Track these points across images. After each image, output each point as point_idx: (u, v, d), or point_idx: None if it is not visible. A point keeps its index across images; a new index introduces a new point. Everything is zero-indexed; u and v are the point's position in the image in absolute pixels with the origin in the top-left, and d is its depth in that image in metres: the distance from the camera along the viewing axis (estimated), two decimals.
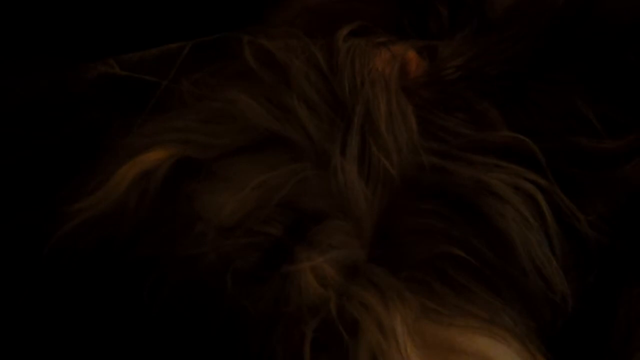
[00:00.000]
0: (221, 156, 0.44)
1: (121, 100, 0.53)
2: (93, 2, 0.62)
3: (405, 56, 0.50)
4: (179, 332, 0.42)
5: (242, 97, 0.43)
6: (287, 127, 0.42)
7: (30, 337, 0.43)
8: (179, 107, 0.46)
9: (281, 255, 0.40)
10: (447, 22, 0.53)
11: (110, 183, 0.43)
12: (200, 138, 0.44)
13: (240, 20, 0.53)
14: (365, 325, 0.38)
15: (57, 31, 0.61)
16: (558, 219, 0.42)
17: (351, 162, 0.41)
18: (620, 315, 0.44)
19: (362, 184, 0.40)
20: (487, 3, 0.53)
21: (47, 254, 0.43)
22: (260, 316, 0.40)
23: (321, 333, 0.38)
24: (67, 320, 0.44)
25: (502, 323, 0.40)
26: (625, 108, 0.46)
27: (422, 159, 0.41)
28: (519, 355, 0.39)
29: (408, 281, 0.40)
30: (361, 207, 0.40)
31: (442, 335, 0.39)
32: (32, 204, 0.46)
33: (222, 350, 0.40)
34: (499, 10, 0.53)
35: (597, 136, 0.45)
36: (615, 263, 0.44)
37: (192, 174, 0.44)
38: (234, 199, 0.42)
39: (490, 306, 0.40)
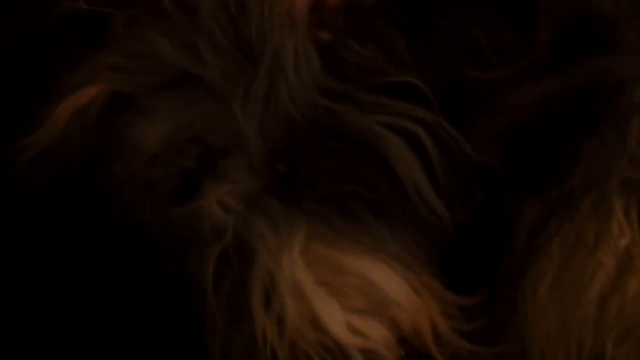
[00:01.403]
0: (146, 91, 0.48)
1: (84, 36, 0.58)
2: None
3: None
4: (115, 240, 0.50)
5: (158, 38, 0.47)
6: (197, 67, 0.46)
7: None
8: (112, 44, 0.51)
9: (192, 185, 0.47)
10: None
11: (53, 119, 0.50)
12: (128, 75, 0.49)
13: None
14: (260, 252, 0.44)
15: None
16: (444, 150, 0.46)
17: (254, 103, 0.45)
18: (520, 231, 0.48)
19: (260, 124, 0.45)
20: None
21: (9, 182, 0.52)
22: (174, 238, 0.47)
23: (223, 258, 0.45)
24: (34, 236, 0.53)
25: (390, 251, 0.45)
26: (519, 33, 0.48)
27: (321, 102, 0.45)
28: (403, 277, 0.44)
29: (305, 212, 0.45)
30: (257, 145, 0.45)
31: (329, 257, 0.44)
32: None
33: (142, 268, 0.48)
34: None
35: (489, 65, 0.47)
36: (509, 184, 0.48)
37: (123, 107, 0.49)
38: (156, 131, 0.48)
39: (379, 235, 0.45)
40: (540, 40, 0.48)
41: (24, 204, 0.52)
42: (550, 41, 0.48)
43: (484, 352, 0.46)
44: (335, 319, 0.43)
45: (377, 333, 0.44)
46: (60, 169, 0.50)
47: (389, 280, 0.44)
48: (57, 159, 0.51)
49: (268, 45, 0.45)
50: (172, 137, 0.47)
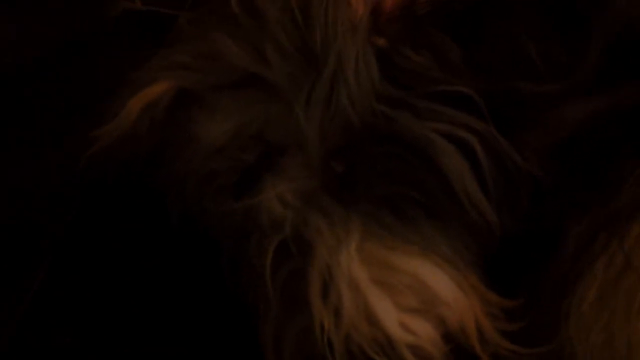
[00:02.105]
0: (211, 89, 0.51)
1: (142, 35, 0.61)
2: None
3: None
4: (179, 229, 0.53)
5: (224, 39, 0.49)
6: (262, 68, 0.48)
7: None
8: (179, 43, 0.54)
9: (253, 179, 0.49)
10: None
11: (123, 113, 0.53)
12: (194, 73, 0.51)
13: None
14: (317, 246, 0.46)
15: None
16: (494, 159, 0.47)
17: (316, 106, 0.47)
18: (567, 244, 0.49)
19: (320, 126, 0.47)
20: None
21: (80, 171, 0.55)
22: (233, 228, 0.49)
23: (281, 249, 0.47)
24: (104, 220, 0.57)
25: (440, 251, 0.47)
26: (571, 48, 0.49)
27: (379, 107, 0.47)
28: (451, 278, 0.46)
29: (360, 212, 0.47)
30: (316, 145, 0.47)
31: (382, 255, 0.46)
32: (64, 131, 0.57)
33: (201, 257, 0.51)
34: None
35: (541, 78, 0.48)
36: (556, 196, 0.49)
37: (189, 103, 0.52)
38: (220, 127, 0.50)
39: (431, 237, 0.47)
40: (592, 57, 0.48)
41: (94, 193, 0.55)
42: (601, 58, 0.48)
43: (524, 352, 0.48)
44: (389, 315, 0.45)
45: (425, 330, 0.46)
46: (128, 160, 0.54)
47: (438, 279, 0.46)
48: (126, 150, 0.53)
49: (331, 50, 0.47)
50: (235, 133, 0.49)
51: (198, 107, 0.52)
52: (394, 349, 0.45)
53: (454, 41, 0.50)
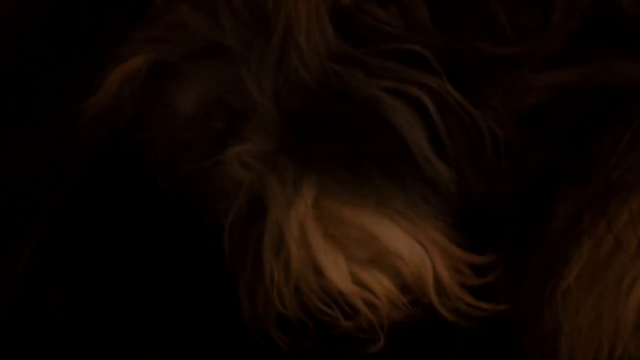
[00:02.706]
0: (181, 59, 0.53)
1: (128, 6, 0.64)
2: None
3: None
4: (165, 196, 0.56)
5: (188, 11, 0.52)
6: (220, 36, 0.50)
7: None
8: (154, 18, 0.56)
9: (221, 144, 0.51)
10: None
11: (105, 85, 0.56)
12: (167, 45, 0.54)
13: None
14: (270, 205, 0.48)
15: None
16: (449, 115, 0.47)
17: (267, 70, 0.49)
18: (553, 223, 0.49)
19: (273, 89, 0.49)
20: None
21: (69, 140, 0.59)
22: (210, 192, 0.52)
23: (241, 211, 0.49)
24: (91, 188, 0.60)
25: (394, 205, 0.47)
26: (540, 16, 0.48)
27: (331, 66, 0.48)
28: (405, 231, 0.47)
29: (315, 169, 0.48)
30: (270, 110, 0.49)
31: (336, 210, 0.48)
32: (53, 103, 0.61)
33: (180, 219, 0.54)
34: None
35: (507, 42, 0.48)
36: (537, 166, 0.49)
37: (164, 73, 0.54)
38: (190, 95, 0.53)
39: (386, 191, 0.48)
40: (562, 26, 0.48)
41: (82, 160, 0.59)
42: (572, 30, 0.48)
43: (485, 307, 0.48)
44: (338, 267, 0.46)
45: (377, 282, 0.47)
46: (112, 128, 0.57)
47: (390, 232, 0.46)
48: (110, 119, 0.57)
49: (281, 12, 0.48)
50: (202, 100, 0.52)
51: (171, 77, 0.54)
52: (346, 302, 0.47)
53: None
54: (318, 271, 0.46)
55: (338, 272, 0.46)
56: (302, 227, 0.47)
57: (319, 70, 0.48)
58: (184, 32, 0.53)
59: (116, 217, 0.58)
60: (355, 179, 0.48)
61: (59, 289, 0.56)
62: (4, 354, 0.54)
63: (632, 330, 0.46)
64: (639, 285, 0.46)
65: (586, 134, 0.48)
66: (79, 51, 0.62)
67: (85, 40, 0.62)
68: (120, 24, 0.58)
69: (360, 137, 0.48)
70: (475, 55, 0.48)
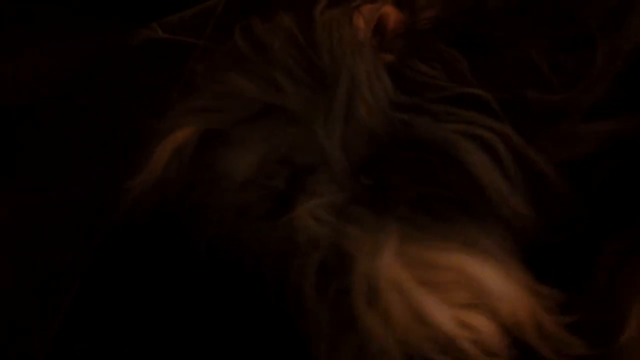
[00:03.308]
0: (232, 126, 0.52)
1: (166, 63, 0.62)
2: None
3: (383, 12, 0.57)
4: (215, 264, 0.53)
5: (236, 77, 0.52)
6: (277, 98, 0.50)
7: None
8: (197, 89, 0.56)
9: (285, 203, 0.49)
10: None
11: (153, 160, 0.54)
12: (215, 114, 0.53)
13: None
14: (356, 257, 0.45)
15: None
16: (515, 156, 0.47)
17: (335, 122, 0.48)
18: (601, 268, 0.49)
19: (341, 141, 0.48)
20: None
21: (119, 220, 0.55)
22: (272, 255, 0.49)
23: (322, 267, 0.47)
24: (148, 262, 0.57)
25: (480, 245, 0.46)
26: (581, 62, 0.49)
27: (397, 115, 0.48)
28: (494, 269, 0.45)
29: (393, 217, 0.47)
30: (340, 160, 0.48)
31: (423, 256, 0.46)
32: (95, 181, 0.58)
33: (246, 281, 0.51)
34: None
35: (550, 89, 0.48)
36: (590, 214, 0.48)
37: (214, 143, 0.54)
38: (246, 159, 0.51)
39: (467, 232, 0.46)
40: (601, 71, 0.49)
41: (132, 239, 0.56)
42: (615, 75, 0.49)
43: (587, 347, 0.46)
44: (442, 312, 0.43)
45: (482, 323, 0.45)
46: (161, 205, 0.54)
47: (485, 271, 0.45)
48: (158, 195, 0.54)
49: (342, 68, 0.49)
50: (261, 162, 0.50)
51: (223, 145, 0.53)
52: (454, 347, 0.44)
53: (460, 53, 0.52)
54: (421, 319, 0.44)
55: (443, 317, 0.44)
56: (394, 276, 0.45)
57: (384, 119, 0.48)
58: (234, 99, 0.52)
59: (155, 278, 0.55)
60: (435, 223, 0.47)
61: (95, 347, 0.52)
62: None
63: None
64: None
65: (635, 183, 0.49)
66: (114, 106, 0.59)
67: (122, 92, 0.60)
68: (158, 74, 0.57)
69: (434, 181, 0.47)
70: (524, 104, 0.49)
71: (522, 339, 0.46)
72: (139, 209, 0.54)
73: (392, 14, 0.57)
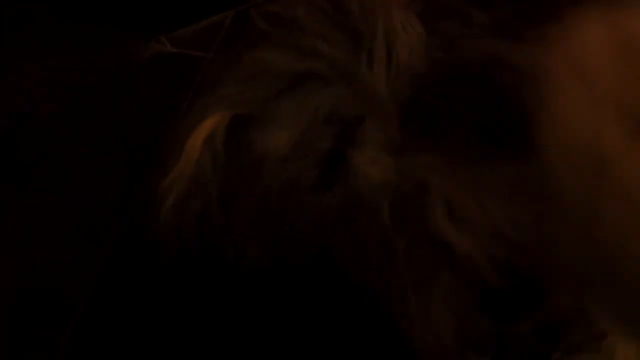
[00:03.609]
0: (264, 104, 0.50)
1: (174, 77, 0.61)
2: None
3: None
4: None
5: (265, 53, 0.50)
6: (310, 63, 0.49)
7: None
8: (219, 78, 0.54)
9: (337, 161, 0.47)
10: None
11: (185, 155, 0.52)
12: (243, 97, 0.51)
13: None
14: (430, 180, 0.44)
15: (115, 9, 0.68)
16: None
17: (379, 65, 0.48)
18: None
19: (387, 82, 0.47)
20: None
21: (158, 228, 0.51)
22: (334, 215, 0.46)
23: (396, 205, 0.45)
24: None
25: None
26: None
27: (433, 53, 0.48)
28: None
29: (443, 150, 0.46)
30: (387, 104, 0.47)
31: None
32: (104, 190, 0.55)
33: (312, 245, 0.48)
34: None
35: None
36: None
37: (245, 126, 0.52)
38: (283, 133, 0.49)
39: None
40: None
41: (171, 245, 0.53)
42: None
43: None
44: None
45: None
46: (199, 202, 0.52)
47: None
48: (195, 194, 0.52)
49: (377, 21, 0.48)
50: (302, 131, 0.48)
51: (256, 126, 0.51)
52: None
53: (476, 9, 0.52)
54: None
55: None
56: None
57: (423, 59, 0.47)
58: (261, 77, 0.51)
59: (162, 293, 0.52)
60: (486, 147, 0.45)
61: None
62: None
63: None
64: None
65: None
66: (123, 120, 0.58)
67: (132, 106, 0.59)
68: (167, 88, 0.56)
69: (482, 108, 0.46)
70: None
71: None
72: (183, 207, 0.51)
73: None
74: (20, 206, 0.55)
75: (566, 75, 0.45)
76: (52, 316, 0.51)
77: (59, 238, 0.54)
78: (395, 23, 0.48)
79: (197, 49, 0.63)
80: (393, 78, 0.47)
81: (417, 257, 0.44)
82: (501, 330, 0.44)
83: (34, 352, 0.50)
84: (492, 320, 0.44)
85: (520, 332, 0.44)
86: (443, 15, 0.52)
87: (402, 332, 0.45)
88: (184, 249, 0.51)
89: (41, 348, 0.50)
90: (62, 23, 0.65)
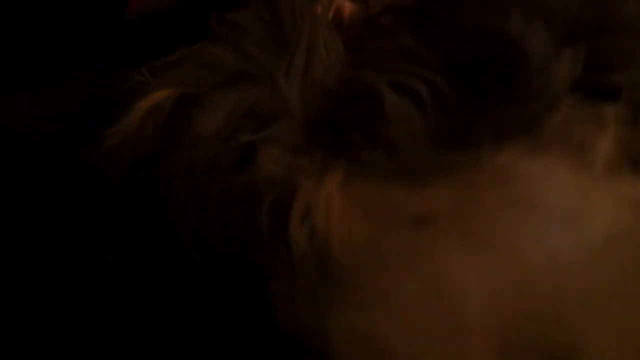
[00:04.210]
0: (207, 91, 0.59)
1: None
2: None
3: (337, 3, 0.66)
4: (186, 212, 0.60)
5: (214, 49, 0.60)
6: (245, 64, 0.58)
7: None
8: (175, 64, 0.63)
9: (251, 152, 0.56)
10: None
11: (131, 114, 0.61)
12: (192, 80, 0.60)
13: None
14: (302, 184, 0.53)
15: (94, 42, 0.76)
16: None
17: (295, 76, 0.56)
18: None
19: (300, 92, 0.56)
20: None
21: (93, 166, 0.61)
22: (241, 194, 0.56)
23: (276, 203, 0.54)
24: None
25: None
26: None
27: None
28: None
29: (342, 156, 0.55)
30: (300, 110, 0.56)
31: (364, 190, 0.53)
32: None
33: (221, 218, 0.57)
34: None
35: None
36: None
37: (188, 105, 0.60)
38: (215, 117, 0.58)
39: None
40: None
41: (103, 187, 0.62)
42: None
43: None
44: None
45: None
46: (133, 156, 0.61)
47: None
48: (130, 149, 0.61)
49: (303, 31, 0.57)
50: (228, 118, 0.57)
51: (196, 107, 0.60)
52: None
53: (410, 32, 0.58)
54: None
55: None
56: (331, 201, 0.52)
57: (337, 75, 0.56)
58: (209, 68, 0.60)
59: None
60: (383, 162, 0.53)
61: None
62: None
63: None
64: None
65: None
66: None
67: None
68: None
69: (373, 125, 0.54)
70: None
71: None
72: (112, 161, 0.60)
73: (347, 7, 0.66)
74: None
75: None
76: None
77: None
78: (317, 40, 0.57)
79: None
80: (306, 89, 0.56)
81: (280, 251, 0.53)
82: None
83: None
84: None
85: None
86: (378, 38, 0.60)
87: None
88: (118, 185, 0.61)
89: None
90: (43, 56, 0.71)
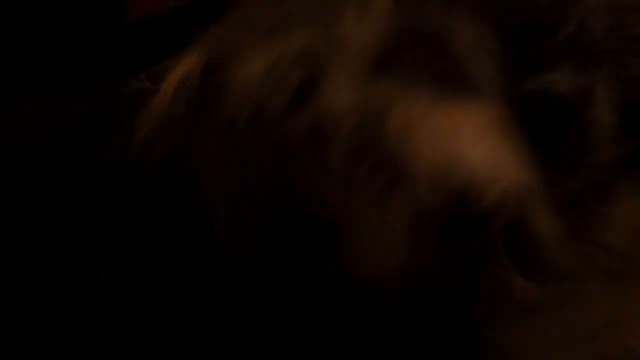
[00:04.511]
0: (239, 49, 0.52)
1: None
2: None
3: None
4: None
5: (251, 10, 0.54)
6: (287, 19, 0.52)
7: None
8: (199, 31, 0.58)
9: (308, 88, 0.49)
10: None
11: (158, 97, 0.53)
12: (219, 43, 0.55)
13: None
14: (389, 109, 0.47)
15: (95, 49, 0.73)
16: None
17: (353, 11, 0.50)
18: None
19: (360, 26, 0.50)
20: None
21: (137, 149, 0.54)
22: (301, 137, 0.48)
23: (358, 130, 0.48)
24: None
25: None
26: None
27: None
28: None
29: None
30: (360, 43, 0.50)
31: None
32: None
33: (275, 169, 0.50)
34: None
35: None
36: None
37: (220, 68, 0.53)
38: (255, 66, 0.51)
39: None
40: None
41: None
42: None
43: None
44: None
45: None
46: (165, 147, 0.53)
47: None
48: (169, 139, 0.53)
49: None
50: (274, 63, 0.50)
51: (229, 67, 0.53)
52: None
53: None
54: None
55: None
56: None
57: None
58: (243, 28, 0.54)
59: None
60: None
61: None
62: None
63: None
64: None
65: None
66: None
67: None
68: None
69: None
70: None
71: None
72: (150, 152, 0.53)
73: None
74: None
75: None
76: None
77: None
78: None
79: None
80: (366, 30, 0.50)
81: (374, 181, 0.45)
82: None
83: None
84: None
85: None
86: None
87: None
88: (153, 183, 0.53)
89: None
90: (41, 64, 0.68)
